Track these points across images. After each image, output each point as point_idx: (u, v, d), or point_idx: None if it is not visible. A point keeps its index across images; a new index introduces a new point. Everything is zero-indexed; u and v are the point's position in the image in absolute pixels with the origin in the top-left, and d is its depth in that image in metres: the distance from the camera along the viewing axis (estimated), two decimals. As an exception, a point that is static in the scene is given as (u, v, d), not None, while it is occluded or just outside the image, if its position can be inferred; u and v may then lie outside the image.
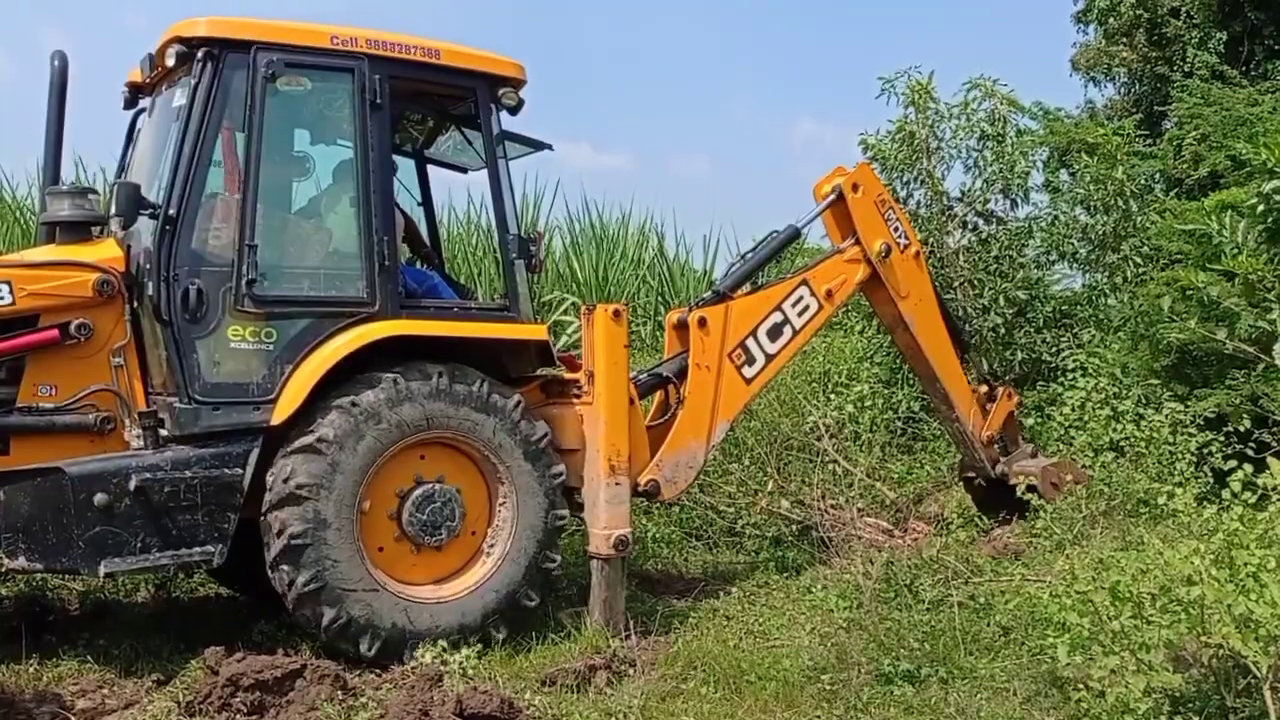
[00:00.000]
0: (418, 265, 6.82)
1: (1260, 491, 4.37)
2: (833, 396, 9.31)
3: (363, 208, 5.57)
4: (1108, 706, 3.97)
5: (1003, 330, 10.13)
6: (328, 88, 5.75)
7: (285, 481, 5.21)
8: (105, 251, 5.39)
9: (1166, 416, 8.05)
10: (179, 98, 5.53)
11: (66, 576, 6.20)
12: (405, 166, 6.81)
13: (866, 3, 56.13)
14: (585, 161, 38.76)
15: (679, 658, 5.45)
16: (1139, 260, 10.23)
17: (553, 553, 5.85)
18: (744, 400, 6.90)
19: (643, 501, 6.95)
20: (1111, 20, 17.66)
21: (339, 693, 4.77)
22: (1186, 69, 15.41)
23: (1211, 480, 7.30)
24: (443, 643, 5.37)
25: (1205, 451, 7.67)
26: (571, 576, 6.62)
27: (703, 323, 6.66)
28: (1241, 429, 7.65)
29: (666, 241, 15.17)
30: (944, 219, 10.43)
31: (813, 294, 7.09)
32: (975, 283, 10.25)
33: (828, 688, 4.94)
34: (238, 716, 4.60)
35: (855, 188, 7.31)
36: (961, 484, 8.66)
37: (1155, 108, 16.46)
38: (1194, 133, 12.43)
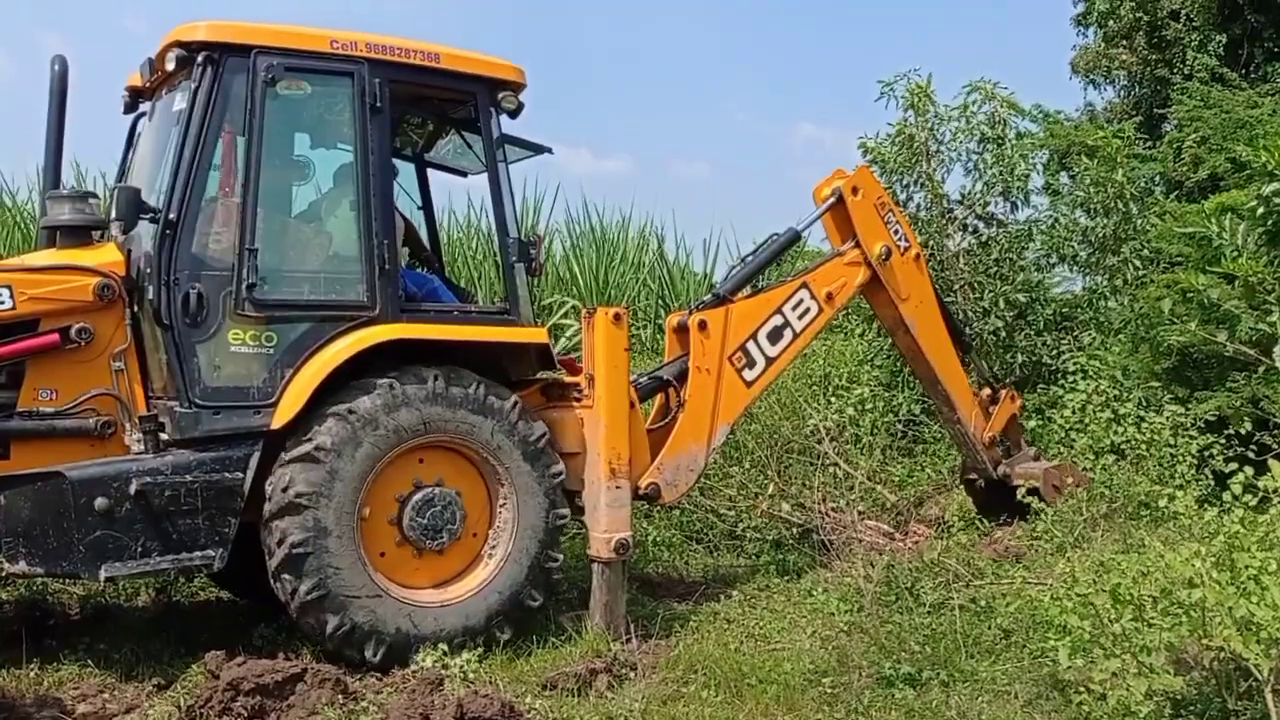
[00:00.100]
0: (418, 269, 6.82)
1: (1261, 494, 4.36)
2: (833, 399, 9.33)
3: (363, 211, 5.57)
4: (1109, 709, 3.97)
5: (1003, 333, 10.12)
6: (327, 91, 5.76)
7: (284, 490, 5.20)
8: (105, 256, 5.40)
9: (1167, 419, 8.06)
10: (179, 102, 5.54)
11: (67, 581, 6.21)
12: (405, 170, 6.82)
13: (866, 5, 56.29)
14: (585, 167, 38.84)
15: (680, 661, 5.44)
16: (1139, 263, 10.22)
17: (554, 552, 5.85)
18: (744, 403, 6.90)
19: (643, 505, 6.94)
20: (1111, 23, 17.69)
21: (340, 697, 4.77)
22: (1186, 72, 15.39)
23: (1212, 483, 7.32)
24: (443, 646, 5.37)
25: (1206, 454, 7.68)
26: (572, 580, 6.61)
27: (703, 326, 6.67)
28: (1242, 431, 7.66)
29: (666, 245, 15.23)
30: (944, 222, 10.43)
31: (813, 297, 7.09)
32: (975, 285, 10.25)
33: (829, 691, 4.93)
34: (238, 720, 4.59)
35: (855, 191, 7.32)
36: (963, 486, 8.66)
37: (1155, 110, 16.47)
38: (1194, 135, 12.44)
